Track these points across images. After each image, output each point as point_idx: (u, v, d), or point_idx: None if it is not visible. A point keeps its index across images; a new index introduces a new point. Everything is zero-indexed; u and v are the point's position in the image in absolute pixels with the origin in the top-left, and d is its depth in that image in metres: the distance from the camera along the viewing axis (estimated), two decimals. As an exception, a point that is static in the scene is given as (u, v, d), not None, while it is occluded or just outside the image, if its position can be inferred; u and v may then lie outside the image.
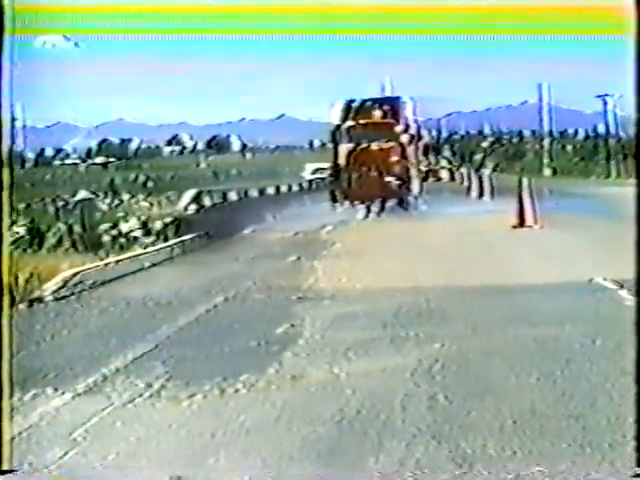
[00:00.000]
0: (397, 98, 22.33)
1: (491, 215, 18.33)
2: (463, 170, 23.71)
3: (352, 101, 21.84)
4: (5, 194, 5.89)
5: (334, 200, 21.25)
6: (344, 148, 21.41)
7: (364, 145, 21.32)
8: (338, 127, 21.64)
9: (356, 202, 20.99)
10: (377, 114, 21.57)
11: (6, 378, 5.34)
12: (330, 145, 22.06)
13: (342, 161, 21.37)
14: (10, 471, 4.91)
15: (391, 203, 21.04)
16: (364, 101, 21.93)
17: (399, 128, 21.42)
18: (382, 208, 20.94)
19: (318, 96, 21.83)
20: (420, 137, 21.95)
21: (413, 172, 21.36)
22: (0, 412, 5.13)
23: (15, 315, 9.48)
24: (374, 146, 21.35)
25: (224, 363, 7.17)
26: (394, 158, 21.24)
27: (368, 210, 20.84)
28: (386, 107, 21.65)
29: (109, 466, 5.02)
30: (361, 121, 21.56)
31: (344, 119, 21.65)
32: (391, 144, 21.36)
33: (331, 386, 6.44)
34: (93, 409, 6.02)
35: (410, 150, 21.45)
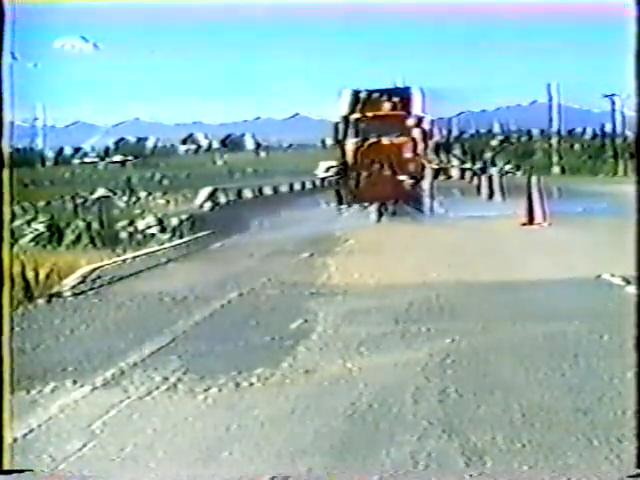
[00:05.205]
0: (407, 89, 20.22)
1: (500, 212, 18.26)
2: (480, 171, 22.73)
3: (359, 92, 19.79)
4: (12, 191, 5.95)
5: (340, 202, 19.39)
6: (351, 144, 19.48)
7: (373, 140, 19.39)
8: (345, 120, 19.60)
9: (365, 204, 19.06)
10: (386, 106, 19.62)
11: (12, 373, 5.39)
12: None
13: (349, 158, 19.42)
14: (12, 470, 4.96)
15: (402, 204, 19.11)
16: (372, 92, 19.83)
17: (411, 121, 19.59)
18: (395, 210, 19.02)
19: (330, 95, 21.16)
20: (432, 135, 20.00)
21: (427, 170, 19.54)
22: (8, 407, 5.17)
23: (34, 310, 9.64)
24: (385, 141, 19.43)
25: (239, 357, 7.24)
26: (408, 154, 19.37)
27: (380, 213, 18.96)
28: (396, 98, 19.68)
29: (126, 457, 5.09)
30: (369, 113, 19.57)
31: (350, 111, 19.64)
32: (403, 139, 19.43)
33: (344, 380, 6.51)
34: (111, 402, 6.10)
35: (422, 146, 19.55)
